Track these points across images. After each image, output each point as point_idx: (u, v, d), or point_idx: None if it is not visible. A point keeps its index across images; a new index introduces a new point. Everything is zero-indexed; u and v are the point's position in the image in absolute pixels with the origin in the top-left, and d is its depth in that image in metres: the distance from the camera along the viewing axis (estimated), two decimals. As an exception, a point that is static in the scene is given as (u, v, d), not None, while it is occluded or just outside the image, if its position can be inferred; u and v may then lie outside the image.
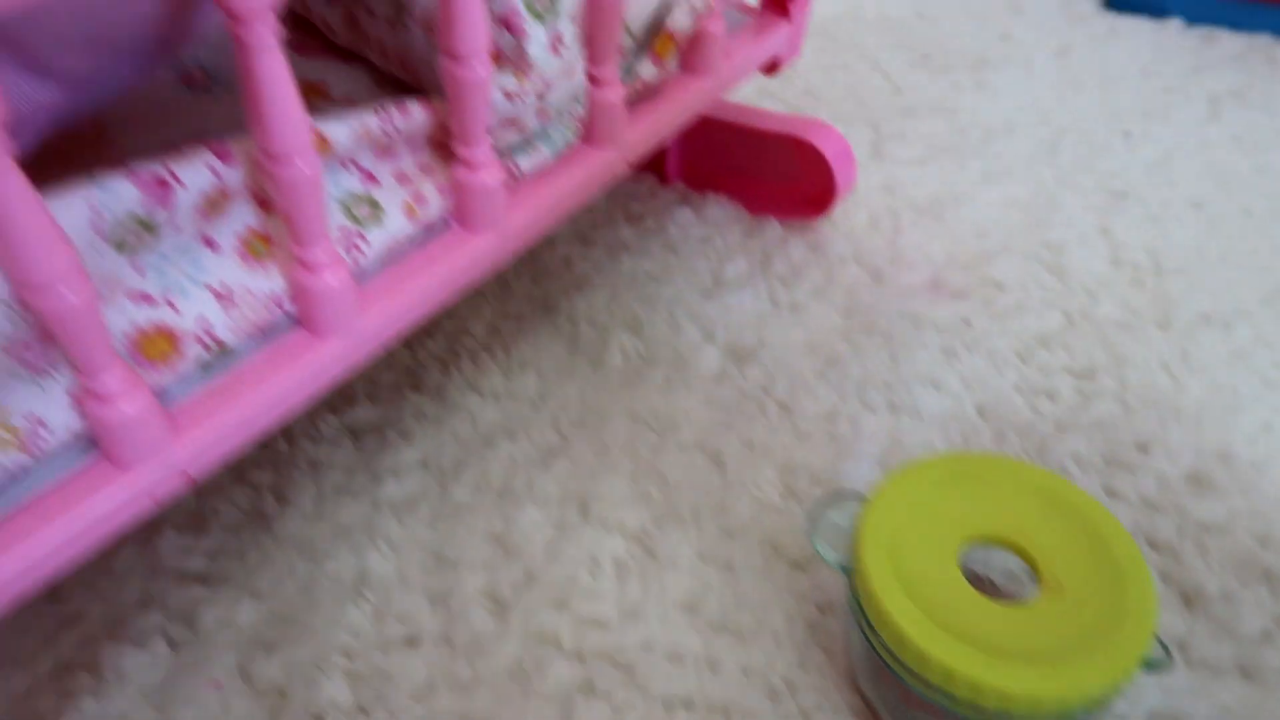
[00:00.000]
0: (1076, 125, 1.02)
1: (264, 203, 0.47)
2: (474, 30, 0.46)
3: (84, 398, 0.40)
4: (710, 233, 0.86)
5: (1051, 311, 0.80)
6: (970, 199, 0.91)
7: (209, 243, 0.45)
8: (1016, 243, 0.87)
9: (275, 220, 0.47)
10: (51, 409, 0.41)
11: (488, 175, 0.53)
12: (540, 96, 0.54)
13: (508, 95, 0.53)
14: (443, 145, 0.55)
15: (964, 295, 0.81)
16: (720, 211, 0.88)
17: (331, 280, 0.46)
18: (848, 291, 0.81)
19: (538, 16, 0.52)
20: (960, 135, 1.00)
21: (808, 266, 0.84)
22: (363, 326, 0.49)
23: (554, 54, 0.53)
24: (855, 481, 0.66)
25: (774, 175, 0.87)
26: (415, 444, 0.69)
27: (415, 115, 0.52)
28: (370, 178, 0.51)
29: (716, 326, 0.78)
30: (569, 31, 0.54)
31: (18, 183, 0.33)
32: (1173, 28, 1.20)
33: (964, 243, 0.87)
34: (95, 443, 0.42)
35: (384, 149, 0.52)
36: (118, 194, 0.40)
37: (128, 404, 0.40)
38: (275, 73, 0.38)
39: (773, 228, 0.87)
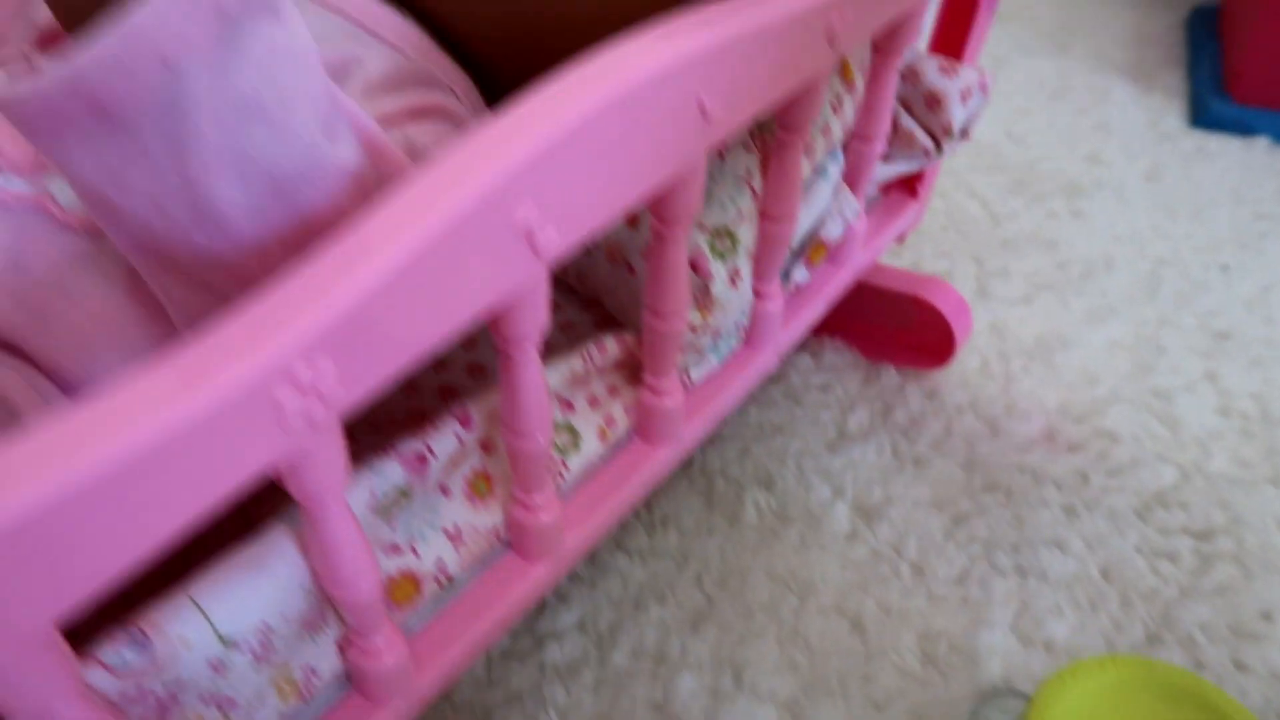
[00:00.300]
0: (1174, 257, 1.06)
1: (487, 446, 0.52)
2: (679, 292, 0.51)
3: (351, 650, 0.45)
4: (830, 380, 0.91)
5: (1166, 466, 0.83)
6: (1076, 341, 0.95)
7: (444, 490, 0.50)
8: (1126, 390, 0.90)
9: (494, 460, 0.52)
10: (322, 659, 0.46)
11: (672, 400, 0.57)
12: (718, 324, 0.59)
13: (691, 328, 0.57)
14: (626, 365, 0.60)
15: (1080, 448, 0.85)
16: (838, 358, 0.93)
17: (546, 518, 0.51)
18: (967, 443, 0.85)
19: (720, 256, 0.57)
20: (1061, 271, 1.04)
21: (926, 417, 0.88)
22: (567, 547, 0.54)
23: (733, 288, 0.58)
24: (992, 652, 0.70)
25: (890, 326, 0.91)
26: (572, 606, 0.74)
27: (610, 351, 0.57)
28: (568, 405, 0.57)
29: (844, 481, 0.82)
30: (745, 266, 0.59)
31: (344, 512, 0.38)
32: (1260, 146, 1.23)
33: (1075, 390, 0.90)
34: (351, 679, 0.47)
35: (580, 380, 0.57)
36: (387, 475, 0.45)
37: (390, 657, 0.45)
38: (533, 380, 0.43)
39: (889, 374, 0.91)
